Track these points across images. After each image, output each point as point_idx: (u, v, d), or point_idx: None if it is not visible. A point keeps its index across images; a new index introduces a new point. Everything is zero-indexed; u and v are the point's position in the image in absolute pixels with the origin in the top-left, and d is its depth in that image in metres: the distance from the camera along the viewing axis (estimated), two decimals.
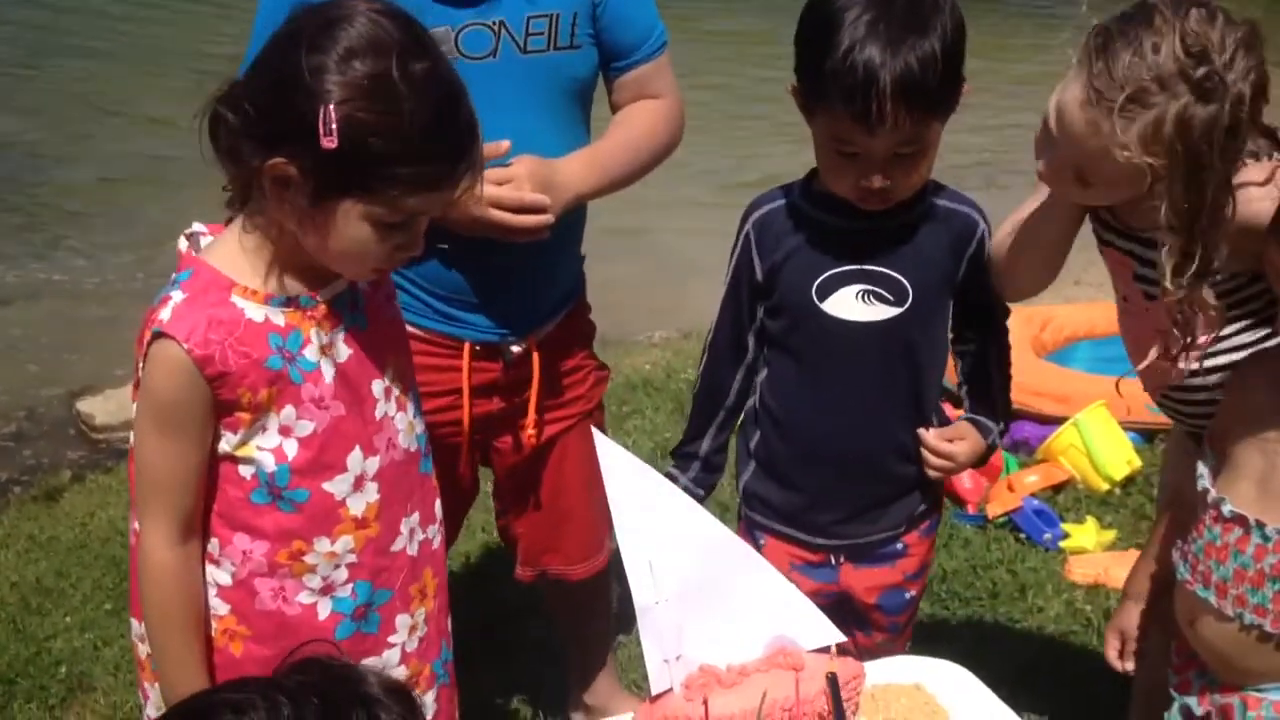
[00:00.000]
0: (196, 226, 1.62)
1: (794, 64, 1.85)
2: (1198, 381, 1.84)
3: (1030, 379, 3.66)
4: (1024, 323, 4.13)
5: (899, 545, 2.06)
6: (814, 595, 1.94)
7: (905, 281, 1.89)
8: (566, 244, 2.16)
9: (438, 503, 1.80)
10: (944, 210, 1.93)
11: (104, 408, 4.43)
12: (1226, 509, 1.71)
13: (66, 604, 3.10)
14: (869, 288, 1.89)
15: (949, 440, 1.97)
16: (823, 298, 1.89)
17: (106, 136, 7.19)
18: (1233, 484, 1.72)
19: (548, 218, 1.95)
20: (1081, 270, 6.22)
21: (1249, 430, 1.71)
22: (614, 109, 2.18)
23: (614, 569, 2.43)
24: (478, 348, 2.10)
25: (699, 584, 1.63)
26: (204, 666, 1.61)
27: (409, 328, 2.04)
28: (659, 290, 5.44)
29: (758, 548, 2.01)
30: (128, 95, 7.87)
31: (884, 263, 1.88)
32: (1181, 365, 1.74)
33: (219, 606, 1.62)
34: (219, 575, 1.62)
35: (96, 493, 3.75)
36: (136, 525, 1.60)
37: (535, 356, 2.15)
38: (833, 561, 2.04)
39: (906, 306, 1.89)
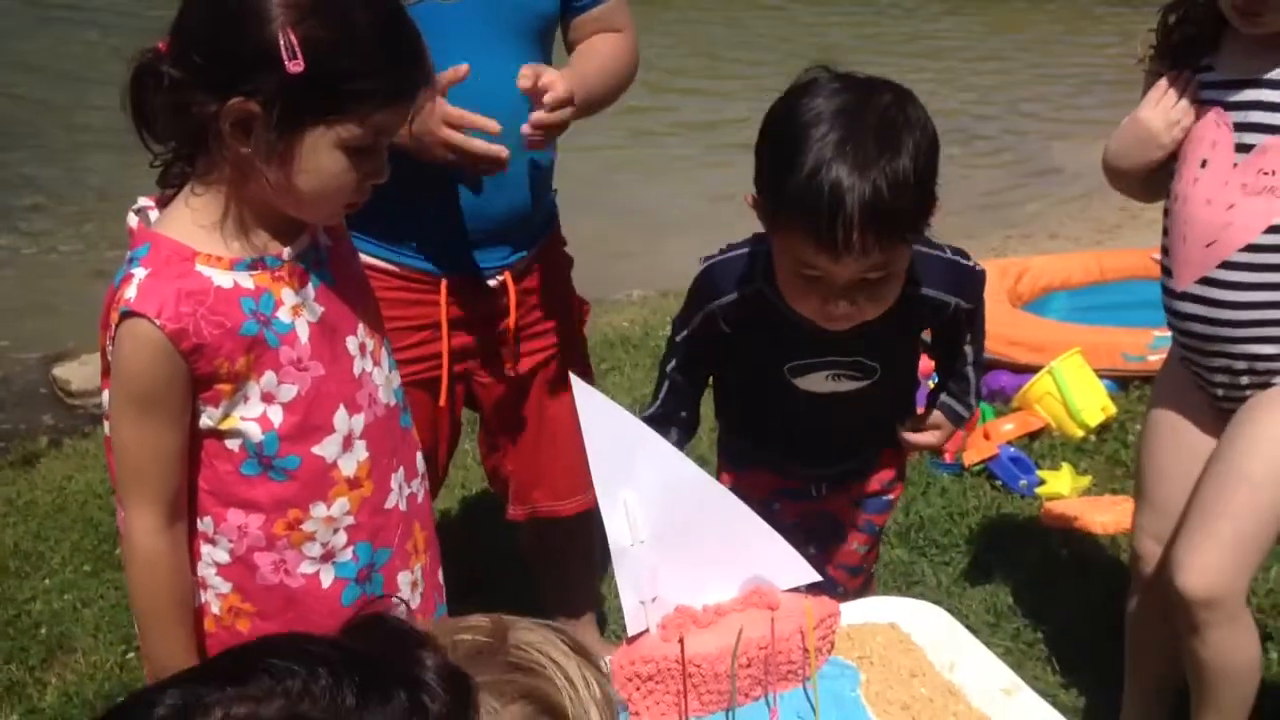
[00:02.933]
0: (143, 201, 1.57)
1: (755, 174, 1.71)
2: (1245, 258, 1.92)
3: (1006, 329, 3.68)
4: (1000, 274, 4.14)
5: (875, 462, 2.07)
6: (797, 516, 1.98)
7: (874, 364, 1.87)
8: (538, 176, 2.16)
9: (419, 455, 1.79)
10: (914, 300, 1.82)
11: (80, 373, 4.43)
12: None
13: (45, 566, 3.10)
14: (838, 371, 1.87)
15: (924, 434, 2.00)
16: (794, 377, 1.88)
17: (74, 102, 7.13)
18: None
19: (503, 149, 1.93)
20: (1059, 225, 6.28)
21: None
22: (570, 47, 2.19)
23: (597, 516, 2.44)
24: (453, 281, 2.11)
25: (675, 526, 1.63)
26: (193, 649, 1.58)
27: (383, 264, 2.06)
28: (635, 248, 5.45)
29: (738, 474, 2.03)
30: (94, 60, 7.79)
31: (854, 353, 1.85)
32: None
33: (220, 585, 1.59)
34: (216, 554, 1.58)
35: (73, 457, 3.75)
36: (122, 512, 1.55)
37: (511, 288, 2.15)
38: (814, 492, 2.05)
39: (875, 379, 1.89)
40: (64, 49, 8.05)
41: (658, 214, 5.92)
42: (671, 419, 1.94)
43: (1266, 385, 1.98)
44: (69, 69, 7.65)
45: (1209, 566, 1.95)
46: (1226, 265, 1.95)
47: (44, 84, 7.45)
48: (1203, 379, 2.06)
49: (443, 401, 2.15)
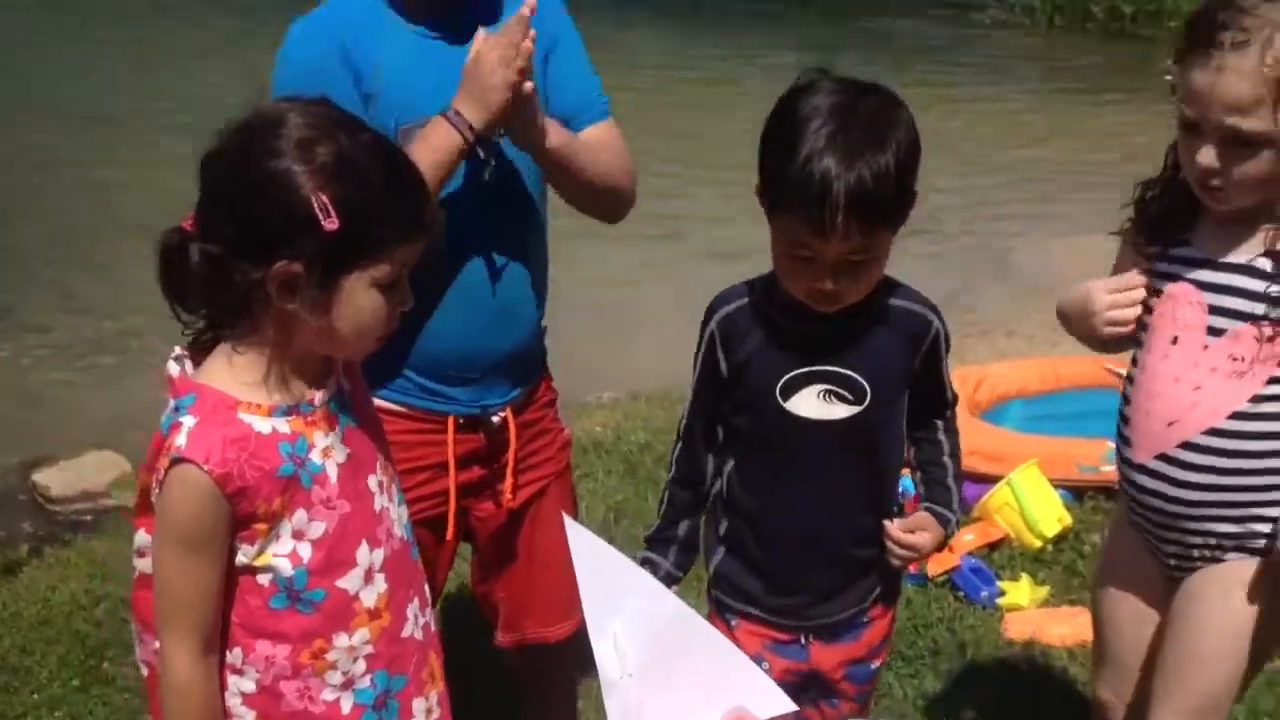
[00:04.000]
0: (178, 350, 1.69)
1: (758, 164, 1.91)
2: (1206, 440, 1.97)
3: (965, 438, 3.76)
4: (959, 382, 4.22)
5: (864, 619, 2.15)
6: (785, 674, 2.05)
7: (864, 381, 1.97)
8: (536, 317, 2.30)
9: (426, 585, 1.90)
10: (899, 310, 2.00)
11: (60, 479, 4.47)
12: None
13: (34, 681, 3.13)
14: (829, 387, 1.97)
15: (911, 531, 2.06)
16: (786, 397, 1.97)
17: (60, 197, 7.23)
18: None
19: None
20: (1016, 322, 6.44)
21: None
22: None
23: (581, 639, 2.53)
24: (461, 420, 2.22)
25: (661, 659, 1.75)
26: None
27: (395, 406, 2.18)
28: (605, 350, 5.54)
29: (729, 629, 2.10)
30: (80, 155, 7.92)
31: (843, 363, 1.96)
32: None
33: (245, 714, 1.68)
34: (243, 684, 1.67)
35: (56, 567, 3.77)
36: (157, 644, 1.65)
37: (512, 424, 2.27)
38: (802, 641, 2.12)
39: (866, 405, 1.98)
40: (50, 138, 8.17)
41: (626, 316, 6.05)
42: (708, 433, 2.09)
43: (1217, 560, 2.06)
44: (24, 168, 7.76)
45: (1179, 714, 2.08)
46: (1187, 446, 1.99)
47: (30, 175, 7.56)
48: (1154, 546, 2.14)
49: (450, 535, 2.26)
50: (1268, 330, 1.91)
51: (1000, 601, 3.36)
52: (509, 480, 2.31)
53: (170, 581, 1.62)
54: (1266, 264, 1.92)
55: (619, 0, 12.71)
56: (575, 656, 2.57)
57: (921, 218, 6.83)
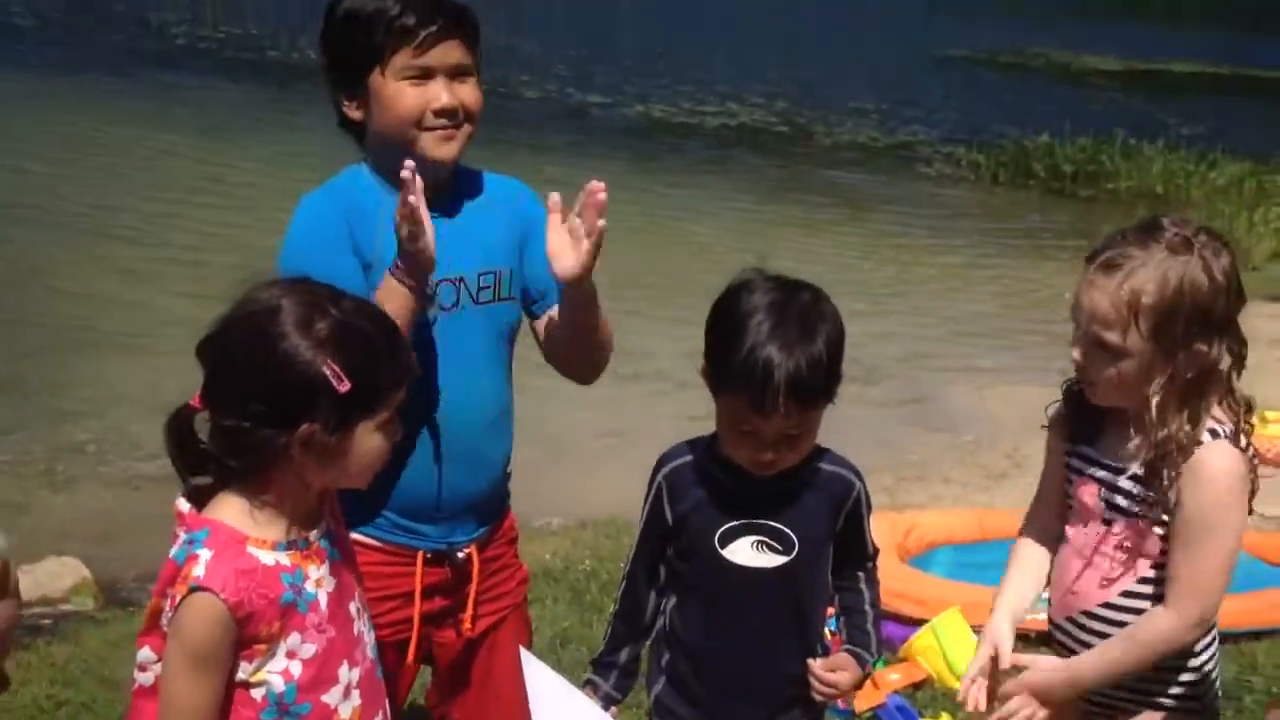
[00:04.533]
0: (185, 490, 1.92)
1: (704, 350, 2.20)
2: (1102, 612, 2.25)
3: (894, 583, 4.07)
4: (890, 529, 4.58)
5: None
6: None
7: (792, 534, 2.23)
8: (504, 461, 2.53)
9: (388, 703, 2.11)
10: (826, 474, 2.28)
11: (23, 582, 4.57)
12: None
13: None
14: (762, 538, 2.24)
15: (832, 670, 2.29)
16: (723, 545, 2.23)
17: (17, 307, 7.37)
18: None
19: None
20: (951, 468, 6.70)
21: None
22: (546, 343, 2.52)
23: None
24: (429, 555, 2.43)
25: None
26: None
27: (370, 540, 2.40)
28: (556, 477, 5.72)
29: None
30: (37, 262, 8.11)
31: (775, 518, 2.23)
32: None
33: None
34: None
35: (17, 670, 3.83)
36: None
37: (475, 560, 2.48)
38: None
39: (794, 555, 2.24)
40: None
41: (576, 445, 6.25)
42: (650, 574, 2.33)
43: (1127, 712, 2.29)
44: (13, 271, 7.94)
45: None
46: (1086, 614, 2.28)
47: None
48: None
49: (411, 659, 2.45)
50: (1145, 526, 2.20)
51: None
52: (469, 611, 2.51)
53: (179, 695, 1.83)
54: (1137, 473, 2.21)
55: (577, 149, 13.25)
56: None
57: (864, 366, 7.18)
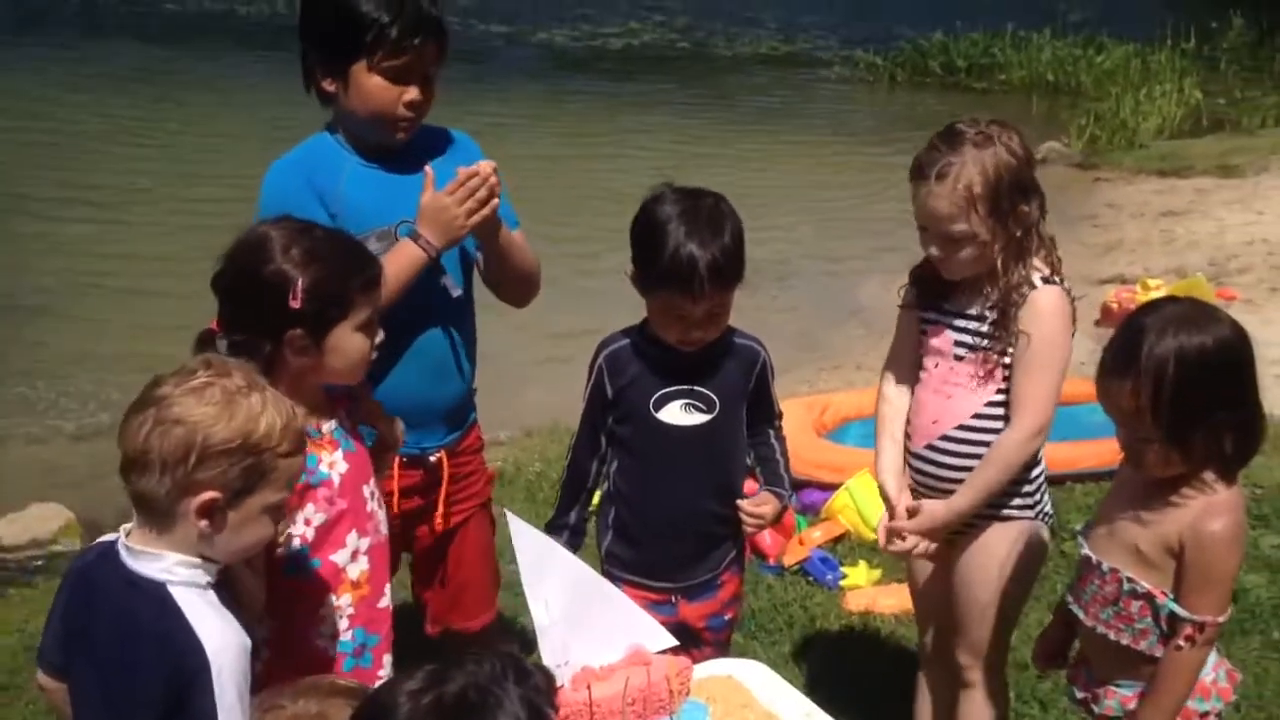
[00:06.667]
0: None
1: (632, 258, 2.64)
2: (958, 434, 2.70)
3: (813, 454, 4.56)
4: (806, 409, 5.06)
5: (718, 582, 2.83)
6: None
7: (714, 395, 2.69)
8: (468, 375, 2.92)
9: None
10: (737, 345, 2.74)
11: (9, 530, 4.91)
12: (1083, 552, 2.40)
13: (26, 695, 3.59)
14: (689, 401, 2.68)
15: (758, 505, 2.78)
16: (657, 409, 2.68)
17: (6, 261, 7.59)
18: (1093, 533, 2.42)
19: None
20: (863, 356, 7.16)
21: (1111, 494, 2.47)
22: (481, 274, 2.92)
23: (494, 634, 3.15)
24: (405, 460, 2.82)
25: (579, 611, 2.38)
26: None
27: None
28: (499, 396, 6.09)
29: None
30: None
31: (699, 383, 2.69)
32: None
33: (263, 650, 2.26)
34: (261, 630, 2.25)
35: (24, 604, 4.20)
36: None
37: (445, 463, 2.89)
38: (673, 600, 2.79)
39: (715, 414, 2.69)
40: None
41: (511, 358, 6.60)
42: (592, 443, 2.74)
43: (979, 527, 2.74)
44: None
45: (972, 645, 2.83)
46: (945, 438, 2.72)
47: None
48: None
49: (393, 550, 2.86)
50: (993, 357, 2.67)
51: (843, 583, 4.09)
52: (441, 509, 2.92)
53: None
54: (989, 315, 2.68)
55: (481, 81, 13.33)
56: (495, 643, 3.18)
57: (776, 265, 7.62)
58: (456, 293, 2.80)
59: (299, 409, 2.25)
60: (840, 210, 9.73)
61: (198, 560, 1.93)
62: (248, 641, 1.94)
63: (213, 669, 1.85)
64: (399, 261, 2.62)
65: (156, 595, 1.89)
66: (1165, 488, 2.29)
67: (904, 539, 2.78)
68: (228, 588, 2.02)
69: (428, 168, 2.68)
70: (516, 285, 2.93)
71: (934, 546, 2.79)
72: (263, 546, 2.08)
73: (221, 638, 1.89)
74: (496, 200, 2.66)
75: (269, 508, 1.97)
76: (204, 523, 1.90)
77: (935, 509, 2.75)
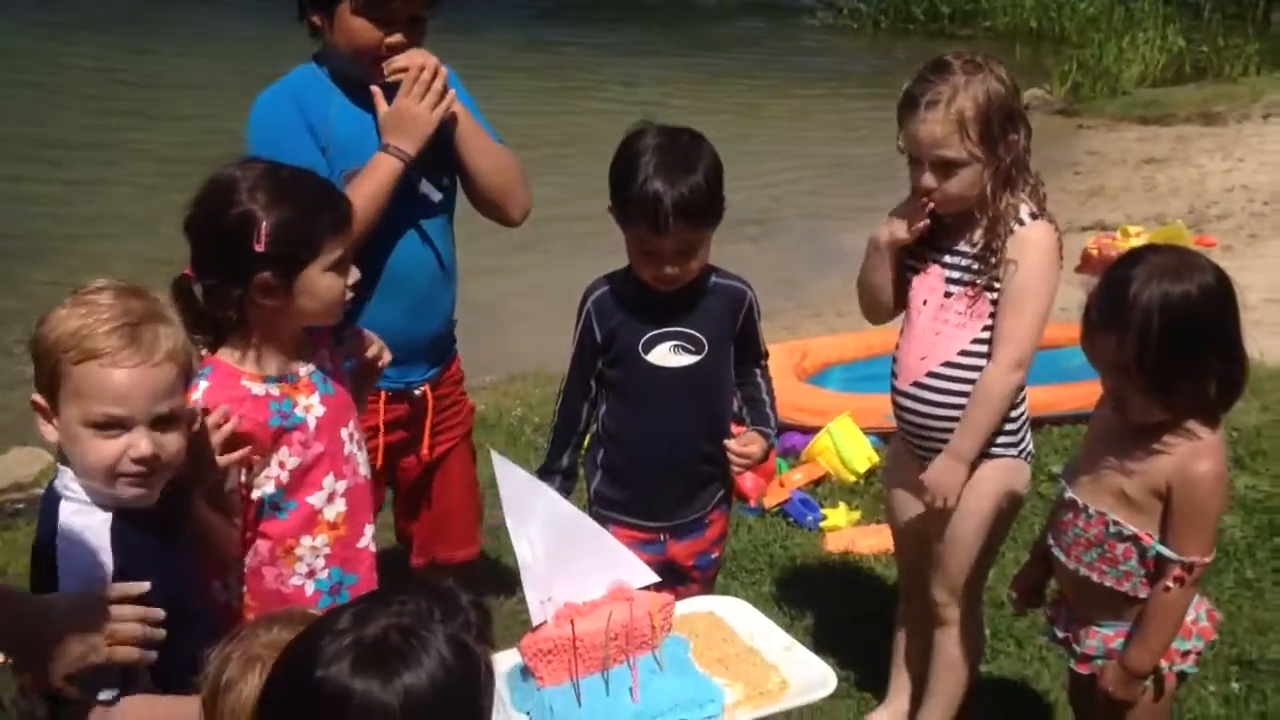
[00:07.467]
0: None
1: (609, 192, 2.63)
2: (945, 370, 2.71)
3: (794, 398, 4.57)
4: (787, 354, 5.08)
5: (706, 521, 2.85)
6: (648, 564, 2.65)
7: (702, 336, 2.68)
8: (449, 308, 2.93)
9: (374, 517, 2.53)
10: (722, 286, 2.73)
11: None
12: (1066, 495, 2.42)
13: None
14: (678, 342, 2.68)
15: (745, 445, 2.78)
16: (646, 351, 2.68)
17: None
18: (1076, 476, 2.43)
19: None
20: (845, 303, 7.17)
21: (1091, 438, 2.50)
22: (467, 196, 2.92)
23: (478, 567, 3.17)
24: (390, 394, 2.83)
25: (562, 548, 2.38)
26: None
27: None
28: (482, 340, 6.10)
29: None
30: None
31: (686, 324, 2.68)
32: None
33: (236, 586, 2.31)
34: (236, 571, 2.30)
35: (5, 548, 4.18)
36: None
37: (429, 397, 2.91)
38: (661, 539, 2.81)
39: (704, 354, 2.69)
40: None
41: (494, 303, 6.60)
42: (582, 386, 2.74)
43: None
44: None
45: (950, 582, 2.87)
46: (933, 374, 2.74)
47: None
48: (916, 452, 2.85)
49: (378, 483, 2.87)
50: (981, 291, 2.68)
51: (823, 525, 4.12)
52: (426, 441, 2.95)
53: None
54: (979, 243, 2.68)
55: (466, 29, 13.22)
56: (479, 581, 3.21)
57: (759, 212, 7.65)
58: (437, 197, 2.79)
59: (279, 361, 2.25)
60: (823, 158, 9.73)
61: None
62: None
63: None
64: (375, 177, 2.62)
65: (50, 508, 1.96)
66: (1150, 432, 2.31)
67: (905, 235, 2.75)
68: (186, 532, 2.05)
69: (373, 86, 2.68)
70: (499, 187, 2.87)
71: (954, 500, 2.78)
72: (104, 466, 1.92)
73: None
74: (452, 92, 2.68)
75: (87, 422, 1.89)
76: (47, 428, 1.93)
77: (940, 469, 2.77)
